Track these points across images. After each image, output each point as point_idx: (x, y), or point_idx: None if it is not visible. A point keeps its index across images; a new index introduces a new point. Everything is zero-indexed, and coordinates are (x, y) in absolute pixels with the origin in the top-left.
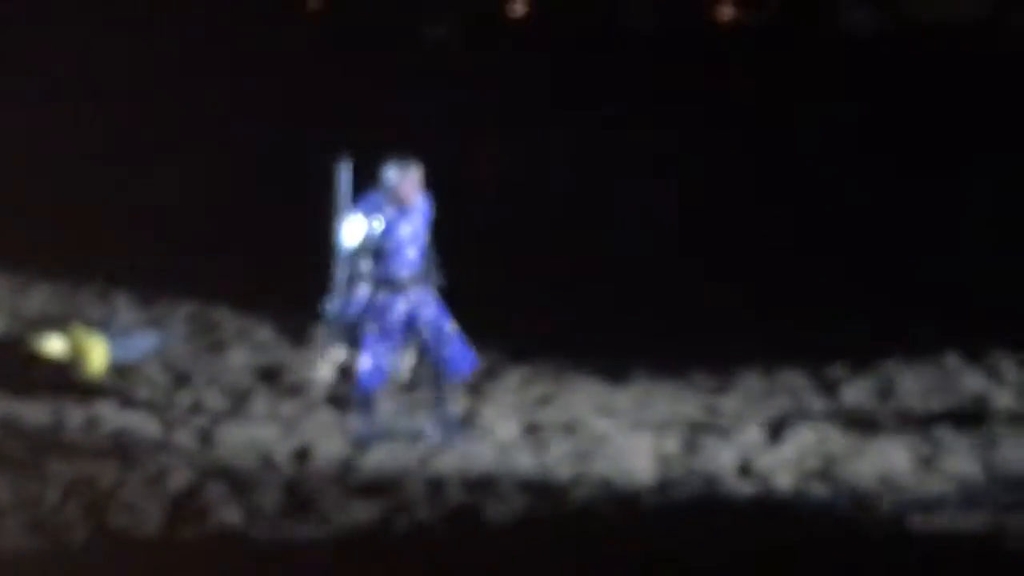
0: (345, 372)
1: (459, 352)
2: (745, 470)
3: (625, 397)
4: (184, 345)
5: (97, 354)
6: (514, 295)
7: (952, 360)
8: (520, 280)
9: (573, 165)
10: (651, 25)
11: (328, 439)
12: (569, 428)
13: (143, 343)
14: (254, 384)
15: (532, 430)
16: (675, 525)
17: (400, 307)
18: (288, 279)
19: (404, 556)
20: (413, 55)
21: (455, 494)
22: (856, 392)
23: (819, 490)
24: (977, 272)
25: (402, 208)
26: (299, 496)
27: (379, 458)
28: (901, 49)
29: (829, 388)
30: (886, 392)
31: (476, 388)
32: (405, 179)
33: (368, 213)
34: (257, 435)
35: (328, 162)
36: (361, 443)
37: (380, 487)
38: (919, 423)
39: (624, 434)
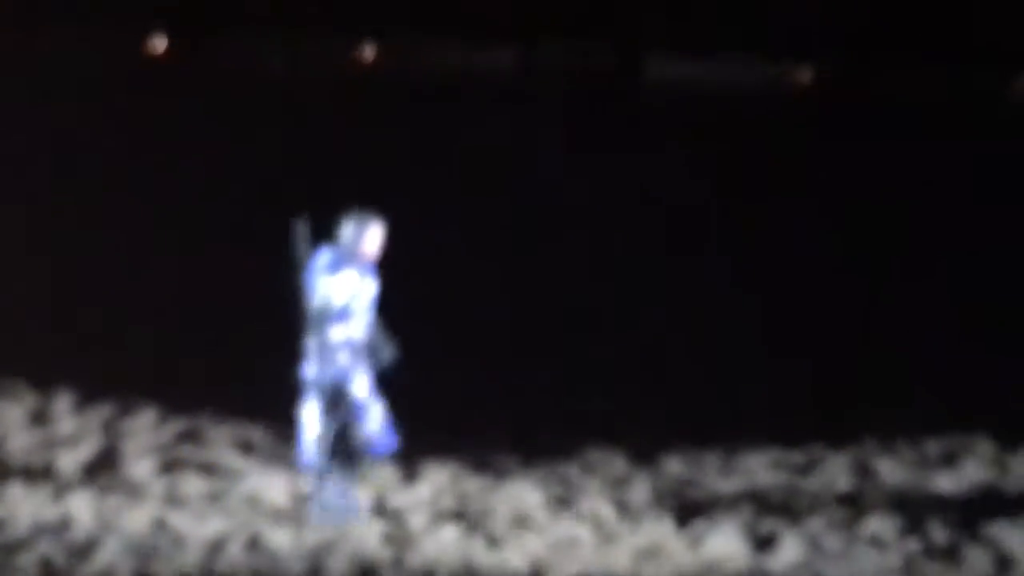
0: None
1: (384, 430)
2: (380, 509)
3: (262, 434)
4: None
5: None
6: None
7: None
8: None
9: None
10: None
11: None
12: (207, 466)
13: None
14: None
15: (169, 467)
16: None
17: (342, 373)
18: None
19: None
20: None
21: (81, 535)
22: (491, 433)
23: (454, 529)
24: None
25: (362, 266)
26: None
27: None
28: None
29: (462, 428)
30: (520, 432)
31: (112, 424)
32: (365, 234)
33: (334, 271)
34: None
35: None
36: (328, 517)
37: None
38: (551, 463)
39: (260, 471)
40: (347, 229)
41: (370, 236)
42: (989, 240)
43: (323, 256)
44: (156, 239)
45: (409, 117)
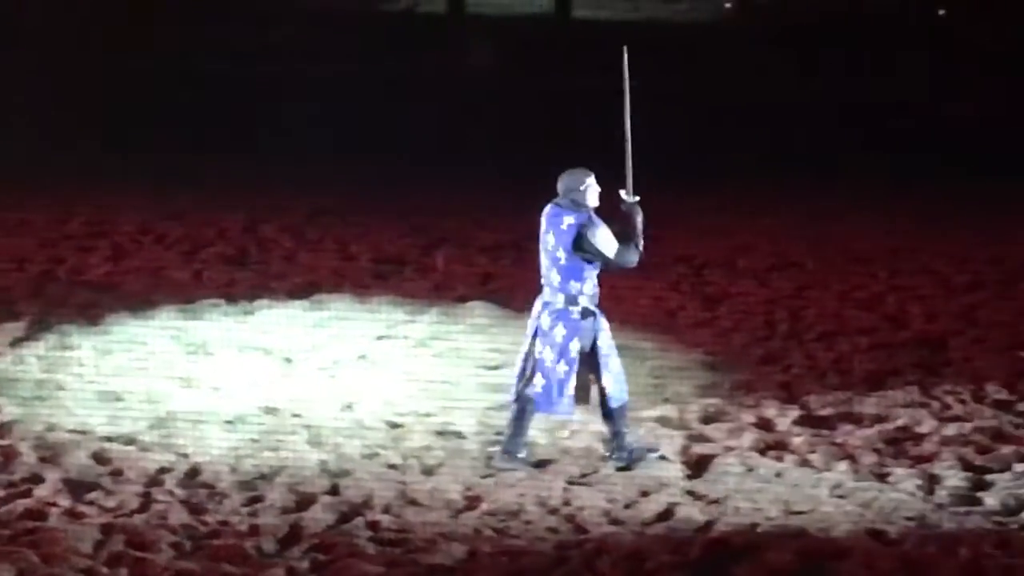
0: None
1: (622, 386)
2: (316, 440)
3: (201, 367)
4: None
5: None
6: None
7: None
8: None
9: None
10: None
11: None
12: (149, 399)
13: None
14: None
15: (112, 399)
16: None
17: (590, 328)
18: None
19: None
20: None
21: (22, 470)
22: None
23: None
24: None
25: (588, 217)
26: None
27: None
28: None
29: None
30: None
31: (51, 359)
32: (591, 186)
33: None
34: None
35: None
36: (509, 458)
37: None
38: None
39: (203, 403)
40: (584, 181)
41: (593, 187)
42: None
43: (560, 217)
44: None
45: None
